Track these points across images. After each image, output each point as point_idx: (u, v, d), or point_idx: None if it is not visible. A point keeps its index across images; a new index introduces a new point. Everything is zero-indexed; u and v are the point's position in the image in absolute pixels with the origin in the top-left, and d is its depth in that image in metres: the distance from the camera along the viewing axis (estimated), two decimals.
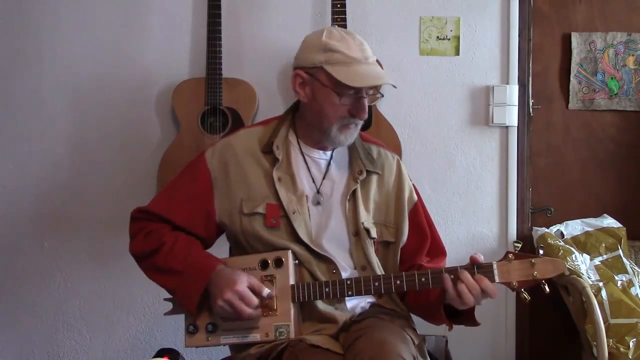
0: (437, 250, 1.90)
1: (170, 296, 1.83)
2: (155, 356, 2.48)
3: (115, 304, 2.78)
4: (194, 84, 2.63)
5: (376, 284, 1.67)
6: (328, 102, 1.72)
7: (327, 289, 1.68)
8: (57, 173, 2.76)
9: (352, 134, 1.78)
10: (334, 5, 2.57)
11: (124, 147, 2.75)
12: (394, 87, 1.79)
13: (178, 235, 1.78)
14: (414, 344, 1.69)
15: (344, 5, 2.56)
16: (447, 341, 2.55)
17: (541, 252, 1.66)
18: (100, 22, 2.74)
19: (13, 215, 2.76)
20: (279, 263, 1.71)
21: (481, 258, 1.63)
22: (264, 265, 1.73)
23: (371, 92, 1.75)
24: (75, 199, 2.76)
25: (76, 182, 2.76)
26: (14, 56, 2.75)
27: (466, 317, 1.71)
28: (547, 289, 1.61)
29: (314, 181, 1.81)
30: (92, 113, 2.75)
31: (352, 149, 1.86)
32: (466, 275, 1.60)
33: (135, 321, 2.79)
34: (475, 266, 1.62)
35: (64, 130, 2.76)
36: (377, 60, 1.80)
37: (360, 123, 1.78)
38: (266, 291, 1.68)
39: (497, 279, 1.61)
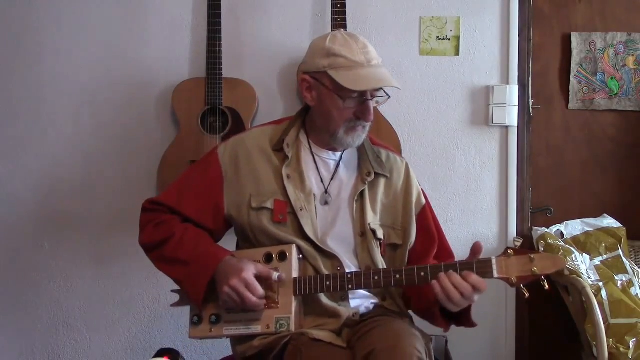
0: (445, 254, 1.91)
1: (177, 287, 1.85)
2: (155, 356, 2.47)
3: (115, 304, 2.78)
4: (194, 84, 2.63)
5: (376, 277, 1.68)
6: (333, 106, 1.75)
7: (328, 282, 1.70)
8: (57, 173, 2.76)
9: (360, 136, 1.80)
10: (334, 6, 2.57)
11: (124, 147, 2.75)
12: (398, 89, 1.80)
13: (188, 226, 1.81)
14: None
15: (344, 5, 2.56)
16: (447, 341, 2.56)
17: (541, 249, 1.67)
18: (100, 22, 2.74)
19: (13, 215, 2.76)
20: (282, 257, 1.74)
21: (482, 246, 1.65)
22: (268, 258, 1.75)
23: (377, 94, 1.77)
24: (75, 199, 2.76)
25: (76, 182, 2.76)
26: (14, 56, 2.75)
27: (463, 318, 1.72)
28: (547, 286, 1.61)
29: (322, 181, 1.84)
30: (92, 113, 2.75)
31: (361, 151, 1.88)
32: (452, 274, 1.61)
33: (135, 321, 2.79)
34: (474, 262, 1.63)
35: (64, 130, 2.75)
36: None
37: (368, 125, 1.80)
38: (275, 275, 1.70)
39: (495, 274, 1.62)
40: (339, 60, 1.72)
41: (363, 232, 1.80)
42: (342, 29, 1.82)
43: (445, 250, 1.91)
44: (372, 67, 1.74)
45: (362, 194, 1.82)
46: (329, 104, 1.75)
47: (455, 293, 1.59)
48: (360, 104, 1.75)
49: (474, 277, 1.60)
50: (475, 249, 1.66)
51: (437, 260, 1.87)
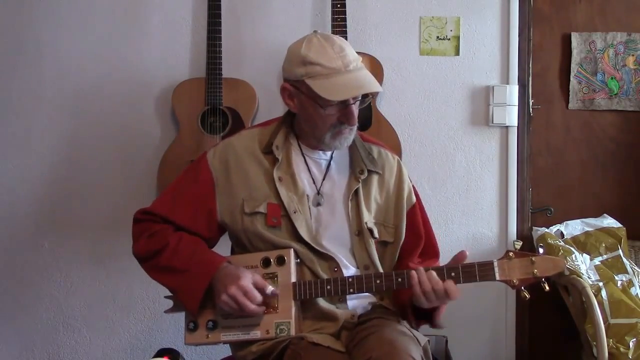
0: (431, 251, 1.90)
1: (171, 294, 1.84)
2: (155, 356, 2.48)
3: (115, 304, 2.78)
4: (194, 84, 2.63)
5: (378, 281, 1.68)
6: (315, 113, 1.73)
7: (328, 287, 1.69)
8: (57, 173, 2.76)
9: (347, 138, 1.79)
10: (334, 5, 2.57)
11: (124, 147, 2.75)
12: (380, 91, 1.78)
13: (182, 235, 1.79)
14: (420, 345, 1.71)
15: (344, 5, 2.56)
16: (447, 341, 2.56)
17: (541, 250, 1.67)
18: (101, 22, 2.74)
19: (13, 215, 2.76)
20: (281, 261, 1.72)
21: (466, 254, 1.66)
22: (266, 263, 1.74)
23: (359, 97, 1.75)
24: (75, 199, 2.76)
25: (76, 182, 2.76)
26: (14, 56, 2.75)
27: (433, 319, 1.74)
28: (547, 287, 1.62)
29: (314, 181, 1.82)
30: (92, 113, 2.75)
31: (352, 149, 1.86)
32: (432, 274, 1.63)
33: (135, 321, 2.79)
34: (476, 264, 1.63)
35: (64, 130, 2.76)
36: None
37: (355, 126, 1.79)
38: (269, 289, 1.69)
39: (497, 276, 1.63)
40: (315, 69, 1.69)
41: (359, 231, 1.79)
42: (319, 32, 1.77)
43: (431, 248, 1.91)
44: (349, 72, 1.69)
45: (356, 192, 1.81)
46: (311, 111, 1.74)
47: (431, 292, 1.62)
48: (343, 109, 1.72)
49: (449, 283, 1.63)
50: (458, 258, 1.67)
51: (421, 259, 1.87)
